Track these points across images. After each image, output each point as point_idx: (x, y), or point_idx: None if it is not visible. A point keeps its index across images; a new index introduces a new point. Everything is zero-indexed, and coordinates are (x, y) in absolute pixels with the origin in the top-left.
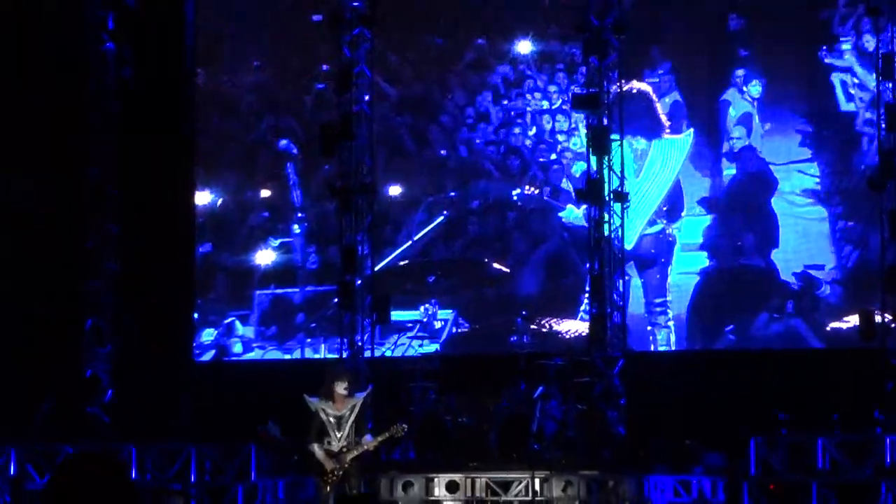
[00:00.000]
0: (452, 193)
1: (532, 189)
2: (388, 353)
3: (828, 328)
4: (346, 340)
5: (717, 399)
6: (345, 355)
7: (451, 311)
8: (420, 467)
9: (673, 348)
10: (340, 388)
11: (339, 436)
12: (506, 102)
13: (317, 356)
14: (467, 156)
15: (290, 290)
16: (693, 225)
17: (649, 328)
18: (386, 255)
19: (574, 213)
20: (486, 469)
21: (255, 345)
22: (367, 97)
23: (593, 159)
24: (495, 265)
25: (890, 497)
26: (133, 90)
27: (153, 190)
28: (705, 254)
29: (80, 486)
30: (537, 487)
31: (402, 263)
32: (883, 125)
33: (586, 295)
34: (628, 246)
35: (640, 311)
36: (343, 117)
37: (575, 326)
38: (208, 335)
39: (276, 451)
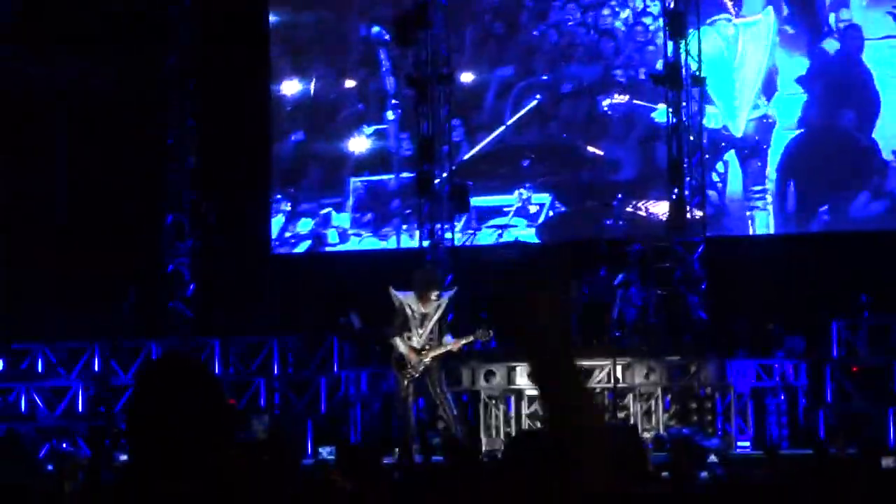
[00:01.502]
0: (545, 77)
1: (620, 98)
2: (475, 241)
3: None
4: (426, 230)
5: (799, 283)
6: (425, 244)
7: (547, 194)
8: (501, 357)
9: (772, 232)
10: (432, 296)
11: (421, 332)
12: None
13: (411, 244)
14: (557, 39)
15: (384, 177)
16: (791, 104)
17: (748, 213)
18: (480, 139)
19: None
20: None
21: (350, 232)
22: None
23: (670, 44)
24: (589, 148)
25: None
26: None
27: (231, 81)
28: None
29: (166, 388)
30: (619, 374)
31: (495, 148)
32: None
33: (700, 179)
34: (738, 134)
35: (740, 197)
36: (418, 6)
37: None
38: (304, 225)
39: (357, 342)
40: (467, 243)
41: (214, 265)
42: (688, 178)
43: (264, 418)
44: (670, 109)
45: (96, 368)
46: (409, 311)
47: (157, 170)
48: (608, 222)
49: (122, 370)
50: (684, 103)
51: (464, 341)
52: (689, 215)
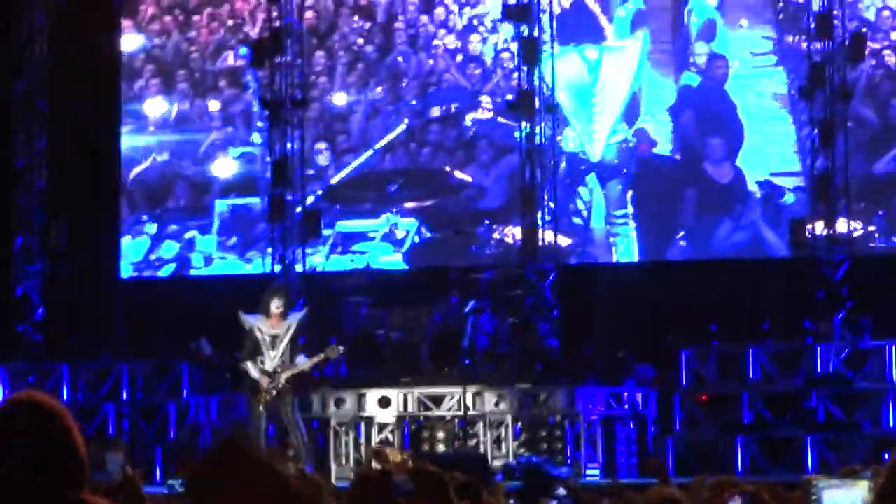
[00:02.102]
0: (413, 102)
1: (485, 112)
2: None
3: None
4: (276, 254)
5: (648, 310)
6: (276, 269)
7: (414, 219)
8: (352, 383)
9: (636, 259)
10: (275, 306)
11: (272, 354)
12: (467, 10)
13: (248, 269)
14: (426, 63)
15: (250, 200)
16: (656, 129)
17: (611, 240)
18: (347, 162)
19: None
20: (418, 384)
21: (215, 256)
22: (294, 10)
23: (524, 70)
24: (457, 174)
25: (820, 405)
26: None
27: (83, 103)
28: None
29: (17, 432)
30: (469, 402)
31: (363, 172)
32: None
33: (552, 205)
34: (594, 158)
35: (602, 225)
36: (272, 31)
37: (549, 237)
38: (168, 248)
39: (207, 368)
40: (318, 269)
41: (64, 289)
42: (547, 204)
43: (118, 456)
44: (523, 136)
45: None
46: (259, 334)
47: (5, 193)
48: (474, 249)
49: None
50: (537, 129)
51: (315, 360)
52: (541, 242)
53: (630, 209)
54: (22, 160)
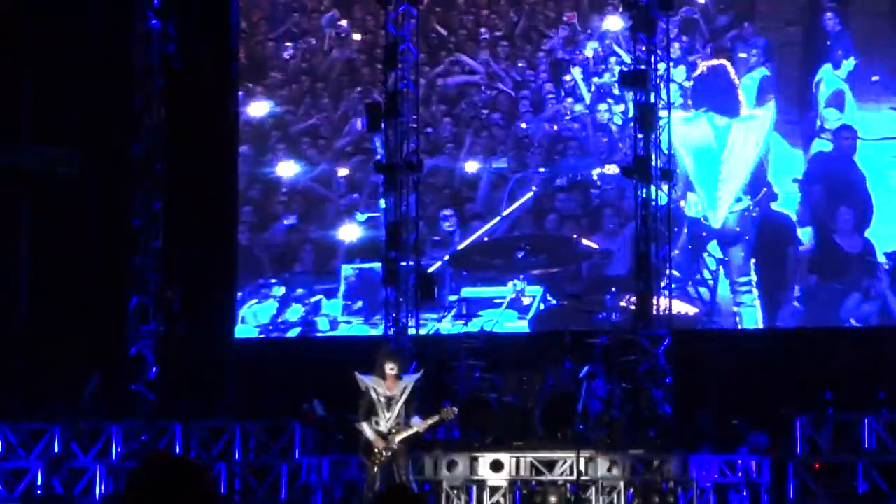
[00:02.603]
0: (542, 169)
1: (611, 166)
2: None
3: None
4: (391, 318)
5: (764, 377)
6: (390, 333)
7: (539, 286)
8: (464, 446)
9: (760, 326)
10: (388, 368)
11: (387, 416)
12: (595, 79)
13: (372, 332)
14: (553, 132)
15: (375, 264)
16: (786, 200)
17: (735, 308)
18: (475, 229)
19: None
20: (530, 448)
21: (341, 319)
22: (411, 75)
23: (641, 137)
24: (584, 241)
25: None
26: (177, 67)
27: (197, 166)
28: (808, 230)
29: (159, 493)
30: (582, 467)
31: (488, 239)
32: None
33: (668, 271)
34: (716, 225)
35: (726, 292)
36: (388, 94)
37: (664, 304)
38: (294, 312)
39: (320, 429)
40: (431, 332)
41: (178, 349)
42: (665, 270)
43: None
44: (639, 201)
45: (56, 450)
46: (374, 395)
47: (122, 254)
48: (601, 316)
49: (83, 452)
50: (654, 195)
51: (430, 421)
52: (658, 308)
53: (753, 277)
54: (138, 221)
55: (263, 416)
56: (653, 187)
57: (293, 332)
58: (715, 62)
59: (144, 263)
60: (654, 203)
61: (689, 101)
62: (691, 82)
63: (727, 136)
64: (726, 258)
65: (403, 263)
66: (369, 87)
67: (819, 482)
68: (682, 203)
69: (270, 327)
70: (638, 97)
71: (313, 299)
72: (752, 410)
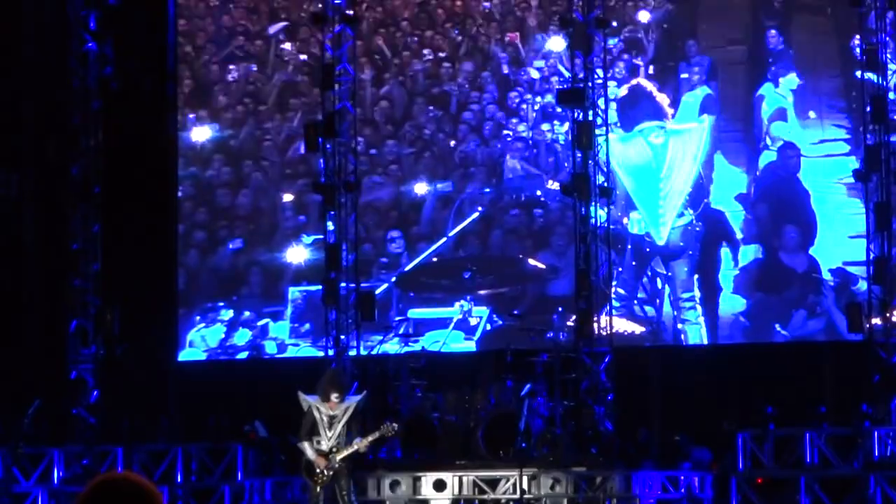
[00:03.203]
0: (487, 190)
1: (555, 185)
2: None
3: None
4: (331, 339)
5: (707, 393)
6: (331, 353)
7: (485, 307)
8: (407, 466)
9: (705, 342)
10: (333, 397)
11: (329, 435)
12: (538, 98)
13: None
14: (498, 152)
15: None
16: (728, 215)
17: (680, 325)
18: (421, 250)
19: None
20: (473, 467)
21: (289, 342)
22: (349, 96)
23: (579, 155)
24: (531, 261)
25: (878, 490)
26: (115, 89)
27: (138, 189)
28: (755, 247)
29: None
30: (525, 485)
31: (435, 260)
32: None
33: (611, 290)
34: (660, 241)
35: (670, 309)
36: (326, 115)
37: (606, 322)
38: (242, 336)
39: (262, 451)
40: (373, 352)
41: (119, 372)
42: (607, 288)
43: None
44: (577, 219)
45: None
46: (317, 414)
47: (62, 276)
48: (549, 335)
49: (24, 477)
50: (593, 212)
51: (370, 438)
52: (597, 326)
53: (697, 293)
54: (77, 244)
55: (206, 439)
56: (593, 205)
57: (241, 356)
58: (634, 82)
59: (83, 286)
60: (593, 221)
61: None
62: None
63: (665, 153)
64: (670, 273)
65: (344, 284)
66: (316, 109)
67: (762, 497)
68: (626, 221)
69: (219, 351)
70: (576, 115)
71: (260, 322)
72: (695, 426)
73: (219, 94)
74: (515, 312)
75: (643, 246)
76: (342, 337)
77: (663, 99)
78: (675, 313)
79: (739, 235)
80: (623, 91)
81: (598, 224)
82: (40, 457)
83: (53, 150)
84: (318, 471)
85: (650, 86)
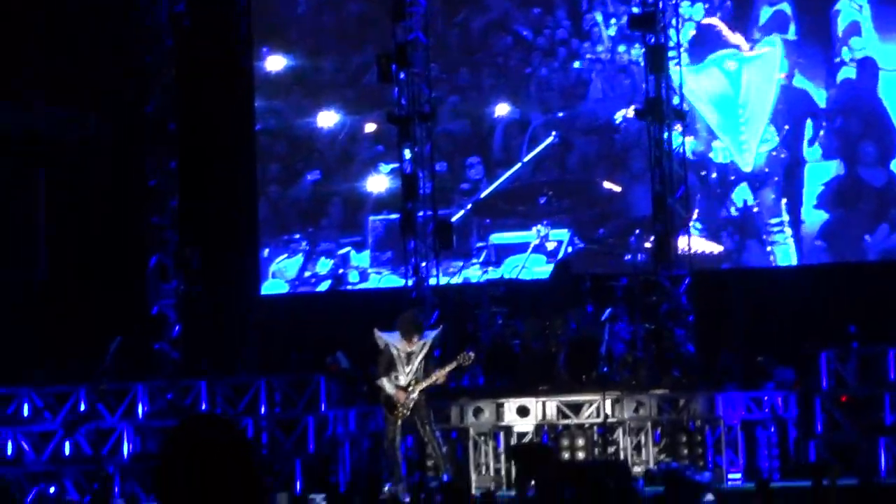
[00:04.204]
0: (561, 114)
1: (631, 108)
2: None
3: None
4: (410, 268)
5: (788, 314)
6: (410, 283)
7: (566, 230)
8: (490, 393)
9: (793, 263)
10: (414, 338)
11: (407, 370)
12: (612, 21)
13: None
14: (574, 75)
15: None
16: (809, 136)
17: (769, 249)
18: (500, 176)
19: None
20: (556, 393)
21: (370, 271)
22: (422, 25)
23: (652, 78)
24: (606, 184)
25: None
26: (188, 25)
27: (212, 124)
28: (835, 163)
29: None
30: (608, 409)
31: (512, 186)
32: None
33: (696, 211)
34: (746, 168)
35: (757, 232)
36: (398, 46)
37: (691, 243)
38: (323, 265)
39: (344, 382)
40: (452, 281)
41: (200, 306)
42: (685, 211)
43: (283, 497)
44: (652, 143)
45: (82, 411)
46: (394, 351)
47: (140, 214)
48: (628, 257)
49: (109, 412)
50: (665, 136)
51: (448, 368)
52: (677, 248)
53: (785, 217)
54: (154, 181)
55: (288, 371)
56: (667, 128)
57: (323, 286)
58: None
59: (162, 223)
60: (667, 144)
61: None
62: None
63: (740, 79)
64: (757, 200)
65: (421, 213)
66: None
67: (846, 415)
68: (710, 153)
69: (297, 282)
70: (648, 39)
71: (342, 252)
72: (777, 347)
73: (292, 25)
74: (594, 236)
75: (728, 173)
76: (422, 264)
77: (732, 35)
78: (764, 237)
79: (819, 153)
80: (692, 30)
81: (674, 147)
82: (124, 392)
83: (128, 88)
84: (397, 405)
85: (718, 22)
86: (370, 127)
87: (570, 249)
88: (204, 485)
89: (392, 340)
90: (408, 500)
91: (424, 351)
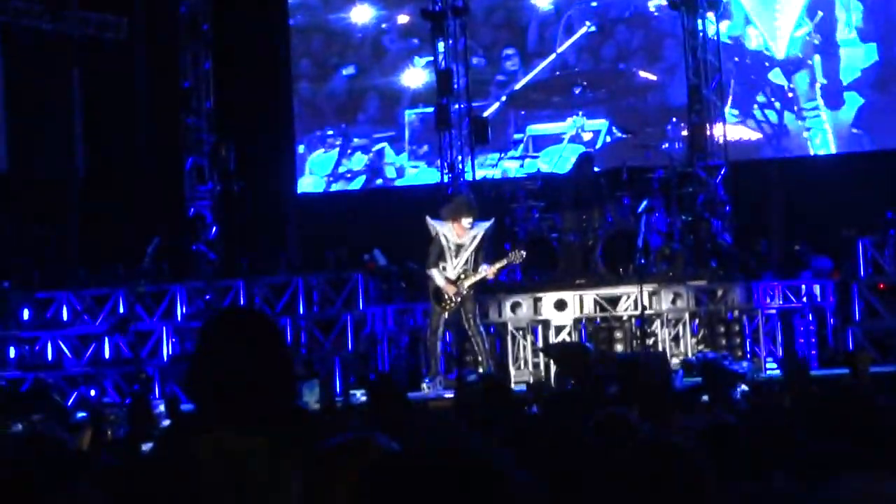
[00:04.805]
0: (595, 3)
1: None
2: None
3: None
4: (444, 162)
5: (825, 202)
6: (446, 178)
7: (604, 120)
8: (527, 287)
9: (832, 151)
10: (465, 222)
11: (456, 262)
12: None
13: (426, 182)
14: None
15: None
16: (845, 21)
17: (805, 134)
18: (534, 67)
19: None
20: (593, 286)
21: (407, 165)
22: None
23: None
24: (642, 74)
25: None
26: None
27: (245, 22)
28: (872, 47)
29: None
30: (646, 301)
31: (547, 77)
32: None
33: (729, 102)
34: (779, 56)
35: (793, 118)
36: None
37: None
38: (358, 160)
39: (382, 279)
40: (489, 176)
41: (237, 207)
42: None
43: (314, 384)
44: (686, 32)
45: (121, 312)
46: (444, 242)
47: (175, 116)
48: (665, 146)
49: (147, 314)
50: (699, 25)
51: (498, 265)
52: (712, 138)
53: (820, 101)
54: (188, 82)
55: (326, 270)
56: (700, 17)
57: (359, 181)
58: None
59: (197, 124)
60: (701, 34)
61: None
62: None
63: None
64: (791, 85)
65: (457, 107)
66: None
67: (884, 302)
68: (744, 39)
69: (332, 178)
70: None
71: (377, 147)
72: (815, 236)
73: None
74: (630, 127)
75: (762, 59)
76: (458, 159)
77: None
78: (800, 122)
79: (856, 37)
80: None
81: (709, 37)
82: (162, 294)
83: None
84: (446, 297)
85: None
86: (403, 19)
87: (608, 139)
88: (232, 373)
89: (443, 229)
90: (440, 393)
91: (474, 244)
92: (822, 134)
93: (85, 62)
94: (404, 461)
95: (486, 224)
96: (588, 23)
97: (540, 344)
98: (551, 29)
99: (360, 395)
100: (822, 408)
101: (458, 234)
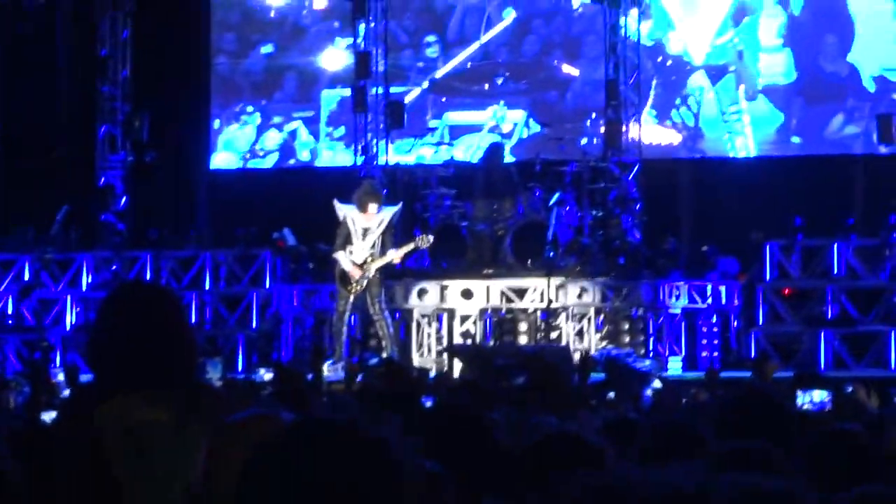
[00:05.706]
0: None
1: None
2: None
3: None
4: (358, 146)
5: (734, 205)
6: (360, 161)
7: (522, 111)
8: (435, 275)
9: (752, 154)
10: (370, 208)
11: (362, 246)
12: None
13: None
14: None
15: None
16: (767, 27)
17: (726, 136)
18: (454, 54)
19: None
20: (500, 276)
21: (321, 147)
22: None
23: None
24: (564, 68)
25: None
26: None
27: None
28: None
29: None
30: (552, 294)
31: (468, 66)
32: None
33: (649, 102)
34: (700, 60)
35: (715, 122)
36: None
37: (646, 131)
38: (273, 139)
39: (290, 258)
40: (405, 160)
41: (148, 179)
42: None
43: (217, 362)
44: (607, 28)
45: (26, 279)
46: (351, 226)
47: (91, 84)
48: (583, 142)
49: (53, 282)
50: (622, 21)
51: (405, 249)
52: (628, 135)
53: (742, 105)
54: (105, 50)
55: (234, 246)
56: (623, 14)
57: (272, 159)
58: None
59: (112, 93)
60: (623, 30)
61: None
62: None
63: None
64: (713, 89)
65: (374, 91)
66: None
67: (788, 307)
68: (665, 42)
69: (248, 155)
70: None
71: (292, 126)
72: (723, 238)
73: None
74: (547, 120)
75: (683, 63)
76: (374, 142)
77: None
78: (721, 125)
79: (780, 42)
80: None
81: (628, 34)
82: (69, 262)
83: None
84: (352, 281)
85: None
86: (323, 2)
87: (526, 131)
88: (132, 345)
89: (350, 213)
90: (342, 377)
91: (381, 228)
92: (743, 138)
93: (4, 27)
94: (295, 433)
95: (394, 208)
96: (512, 10)
97: (444, 335)
98: (474, 17)
99: (262, 373)
100: (731, 406)
101: (366, 218)
